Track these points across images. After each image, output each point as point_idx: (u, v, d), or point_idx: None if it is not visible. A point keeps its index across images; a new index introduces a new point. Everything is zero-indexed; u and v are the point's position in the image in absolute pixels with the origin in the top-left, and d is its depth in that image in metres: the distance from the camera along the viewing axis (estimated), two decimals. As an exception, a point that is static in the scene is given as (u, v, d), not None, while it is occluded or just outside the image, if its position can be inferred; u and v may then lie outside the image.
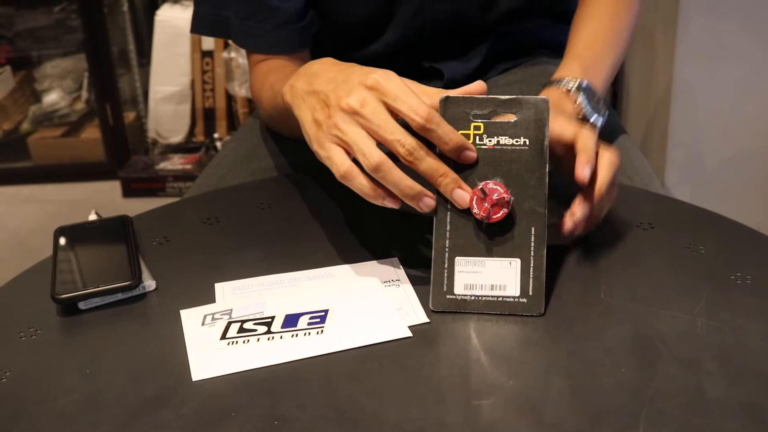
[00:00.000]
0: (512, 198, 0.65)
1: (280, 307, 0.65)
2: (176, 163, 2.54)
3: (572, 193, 0.68)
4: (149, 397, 0.57)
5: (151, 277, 0.70)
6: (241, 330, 0.63)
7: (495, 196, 0.64)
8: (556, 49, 1.02)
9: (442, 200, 0.65)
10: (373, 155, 0.63)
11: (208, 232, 0.79)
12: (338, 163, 0.65)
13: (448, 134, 0.64)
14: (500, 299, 0.64)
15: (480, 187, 0.64)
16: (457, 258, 0.65)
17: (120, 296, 0.68)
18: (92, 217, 0.81)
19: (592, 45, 0.90)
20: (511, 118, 0.65)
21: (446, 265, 0.65)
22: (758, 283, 0.66)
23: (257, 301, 0.66)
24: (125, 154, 2.61)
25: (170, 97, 2.62)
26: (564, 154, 0.71)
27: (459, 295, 0.65)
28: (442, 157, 0.65)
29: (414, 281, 0.68)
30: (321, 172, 0.74)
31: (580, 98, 0.81)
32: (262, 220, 0.81)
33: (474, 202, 0.65)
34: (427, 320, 0.64)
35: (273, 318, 0.64)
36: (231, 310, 0.66)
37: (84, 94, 2.69)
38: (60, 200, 2.48)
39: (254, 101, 0.99)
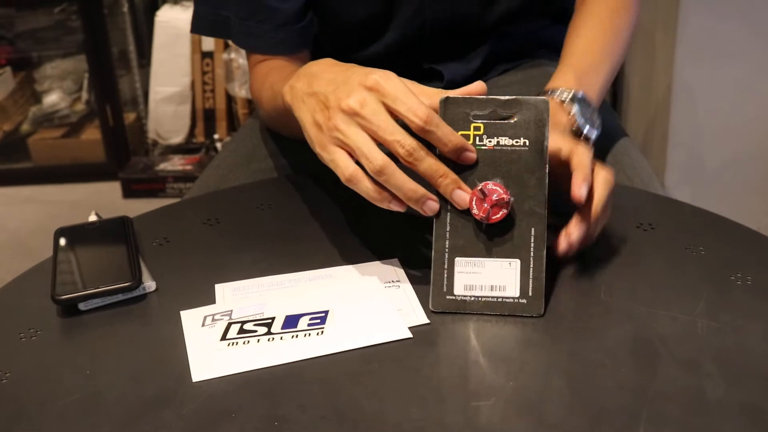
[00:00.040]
0: (512, 198, 0.65)
1: (280, 308, 0.65)
2: (176, 163, 2.54)
3: (565, 200, 0.68)
4: (149, 398, 0.57)
5: (151, 278, 0.70)
6: (242, 331, 0.63)
7: (494, 197, 0.64)
8: (555, 49, 1.02)
9: (442, 201, 0.65)
10: (376, 158, 0.63)
11: (209, 233, 0.79)
12: (343, 167, 0.65)
13: (448, 135, 0.64)
14: (500, 300, 0.64)
15: (479, 187, 0.64)
16: (456, 259, 0.65)
17: (120, 297, 0.68)
18: (92, 218, 0.81)
19: (588, 53, 0.88)
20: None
21: (446, 266, 0.65)
22: (758, 284, 0.66)
23: (257, 302, 0.66)
24: (125, 154, 2.61)
25: (170, 98, 2.62)
26: (559, 170, 0.69)
27: (459, 296, 0.65)
28: (442, 158, 0.65)
29: (414, 282, 0.68)
30: (321, 173, 0.74)
31: (574, 109, 0.79)
32: (262, 221, 0.81)
33: (473, 202, 0.65)
34: (427, 321, 0.64)
35: (273, 319, 0.64)
36: (231, 311, 0.66)
37: (84, 95, 2.69)
38: (60, 201, 2.48)
39: (254, 102, 0.99)
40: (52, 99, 2.67)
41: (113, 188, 2.52)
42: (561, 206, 0.67)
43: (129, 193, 2.50)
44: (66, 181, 2.56)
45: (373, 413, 0.54)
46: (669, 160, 1.87)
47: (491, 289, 0.64)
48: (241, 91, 2.51)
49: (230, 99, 2.61)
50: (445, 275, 0.65)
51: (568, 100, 0.79)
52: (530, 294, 0.64)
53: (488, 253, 0.65)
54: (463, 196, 0.65)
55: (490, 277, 0.65)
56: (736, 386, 0.55)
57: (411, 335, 0.62)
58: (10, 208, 2.47)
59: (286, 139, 0.97)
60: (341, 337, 0.62)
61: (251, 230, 0.79)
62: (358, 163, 0.65)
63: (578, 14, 0.95)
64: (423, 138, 0.64)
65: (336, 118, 0.65)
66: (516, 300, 0.64)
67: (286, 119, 0.79)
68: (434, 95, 0.66)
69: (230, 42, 2.23)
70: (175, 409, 0.56)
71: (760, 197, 1.86)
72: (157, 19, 2.56)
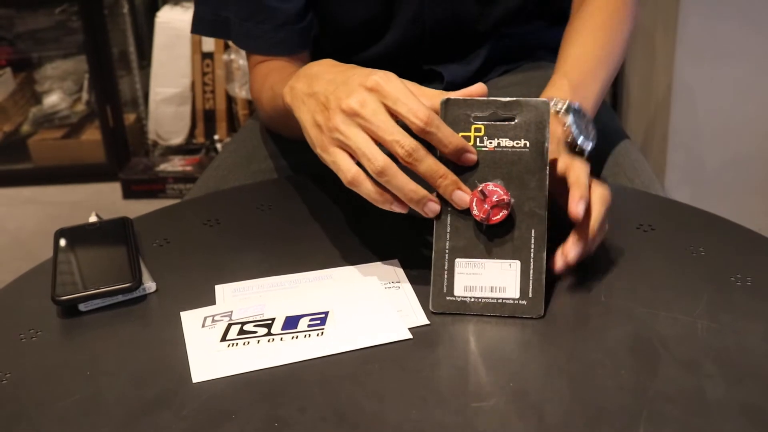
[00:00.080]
0: (512, 199, 0.65)
1: (280, 308, 0.65)
2: (176, 164, 2.54)
3: (561, 215, 0.67)
4: (149, 399, 0.57)
5: (151, 278, 0.70)
6: (242, 332, 0.63)
7: (495, 198, 0.64)
8: (555, 50, 1.02)
9: (443, 202, 0.65)
10: (377, 159, 0.63)
11: (209, 234, 0.79)
12: (345, 169, 0.65)
13: (448, 137, 0.64)
14: (500, 301, 0.64)
15: (480, 188, 0.64)
16: (457, 260, 0.65)
17: (120, 298, 0.68)
18: (92, 218, 0.81)
19: (584, 61, 0.86)
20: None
21: (446, 267, 0.65)
22: (758, 285, 0.66)
23: (257, 303, 0.66)
24: (125, 155, 2.61)
25: (170, 99, 2.61)
26: (555, 185, 0.68)
27: (459, 297, 0.65)
28: (443, 159, 0.65)
29: (414, 283, 0.68)
30: (321, 173, 0.74)
31: (569, 120, 0.76)
32: (262, 222, 0.81)
33: (474, 203, 0.65)
34: (427, 322, 0.64)
35: (273, 320, 0.64)
36: (231, 311, 0.66)
37: (84, 95, 2.69)
38: (60, 202, 2.48)
39: (254, 103, 0.99)
40: (53, 100, 2.67)
41: (113, 189, 2.51)
42: (558, 219, 0.67)
43: (129, 193, 2.50)
44: (66, 181, 2.55)
45: (373, 414, 0.54)
46: (669, 160, 1.87)
47: (491, 291, 0.64)
48: (241, 92, 2.50)
49: (230, 100, 2.61)
50: (446, 276, 0.65)
51: (562, 110, 0.76)
52: (530, 295, 0.64)
53: (488, 255, 0.65)
54: (462, 196, 0.65)
55: (490, 278, 0.65)
56: (736, 387, 0.55)
57: (411, 336, 0.62)
58: (11, 208, 2.47)
59: (286, 140, 0.97)
60: (341, 338, 0.62)
61: (251, 231, 0.79)
62: (359, 164, 0.65)
63: (574, 20, 0.93)
64: (423, 139, 0.64)
65: (336, 118, 0.65)
66: (516, 301, 0.64)
67: (286, 120, 0.79)
68: (435, 97, 0.66)
69: (230, 43, 2.23)
70: (175, 410, 0.56)
71: (760, 198, 1.86)
72: (158, 20, 2.56)
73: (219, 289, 0.69)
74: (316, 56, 0.89)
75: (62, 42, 2.66)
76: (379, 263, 0.71)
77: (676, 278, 0.68)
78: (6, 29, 2.65)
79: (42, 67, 2.69)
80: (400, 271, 0.70)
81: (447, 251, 0.66)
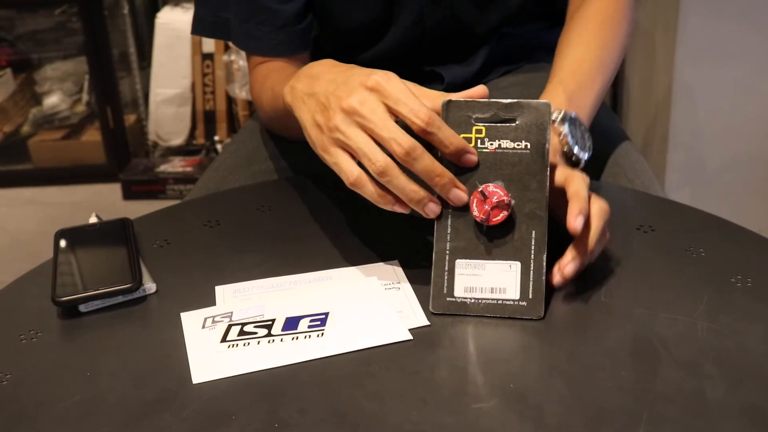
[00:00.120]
0: (512, 201, 0.65)
1: (280, 309, 0.65)
2: (177, 165, 2.54)
3: (559, 227, 0.66)
4: (150, 400, 0.57)
5: (151, 279, 0.70)
6: (242, 333, 0.63)
7: (495, 199, 0.64)
8: (555, 50, 1.02)
9: (443, 203, 0.65)
10: (378, 159, 0.63)
11: (209, 235, 0.79)
12: (347, 171, 0.65)
13: (449, 137, 0.64)
14: (500, 302, 0.64)
15: (480, 189, 0.64)
16: (457, 261, 0.65)
17: (120, 299, 0.68)
18: (93, 219, 0.81)
19: (579, 68, 0.84)
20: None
21: (446, 268, 0.65)
22: (759, 286, 0.66)
23: (257, 304, 0.66)
24: (126, 156, 2.61)
25: (171, 100, 2.61)
26: (553, 196, 0.67)
27: (459, 298, 0.65)
28: (443, 160, 0.65)
29: (414, 284, 0.68)
30: (321, 174, 0.74)
31: (565, 130, 0.75)
32: (262, 223, 0.81)
33: (474, 204, 0.65)
34: (428, 323, 0.64)
35: (273, 321, 0.64)
36: (231, 312, 0.66)
37: (84, 96, 2.69)
38: (60, 203, 2.48)
39: (254, 104, 0.99)
40: (53, 101, 2.67)
41: (113, 190, 2.51)
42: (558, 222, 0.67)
43: (129, 194, 2.50)
44: (66, 182, 2.55)
45: (373, 415, 0.54)
46: (669, 161, 1.87)
47: (491, 292, 0.64)
48: (241, 93, 2.50)
49: (230, 101, 2.61)
50: (446, 277, 0.65)
51: (558, 120, 0.75)
52: (530, 296, 0.64)
53: (489, 256, 0.65)
54: (459, 194, 0.65)
55: (490, 279, 0.65)
56: (737, 388, 0.55)
57: (411, 337, 0.62)
58: (11, 209, 2.47)
59: (287, 141, 0.97)
60: (341, 339, 0.62)
61: (251, 232, 0.79)
62: (360, 164, 0.65)
63: (570, 26, 0.91)
64: (424, 140, 0.64)
65: (336, 118, 0.65)
66: (516, 302, 0.64)
67: (286, 120, 0.79)
68: (436, 98, 0.66)
69: (230, 44, 2.23)
70: (175, 411, 0.56)
71: (760, 198, 1.86)
72: (158, 21, 2.56)
73: (219, 290, 0.69)
74: (316, 57, 0.89)
75: (62, 43, 2.66)
76: (379, 264, 0.71)
77: (676, 279, 0.68)
78: (6, 30, 2.65)
79: (42, 68, 2.69)
80: (400, 272, 0.70)
81: (447, 252, 0.66)
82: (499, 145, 0.66)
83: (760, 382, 0.56)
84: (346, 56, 0.77)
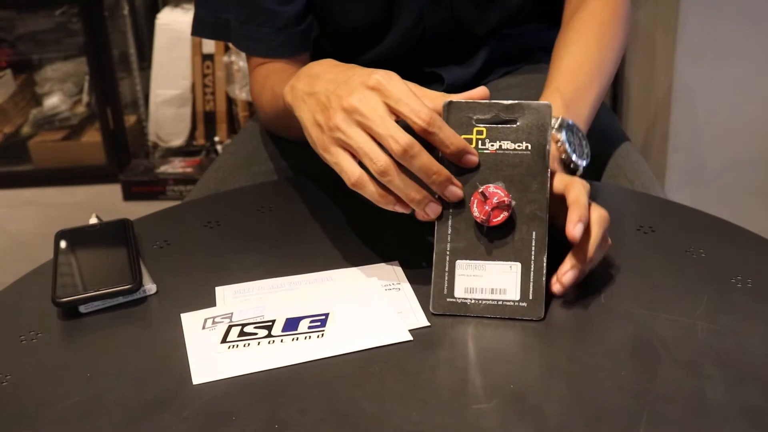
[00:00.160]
0: (513, 201, 0.65)
1: (280, 310, 0.65)
2: (177, 166, 2.54)
3: (558, 234, 0.66)
4: (150, 401, 0.57)
5: (151, 280, 0.70)
6: (242, 333, 0.63)
7: (495, 200, 0.64)
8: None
9: (444, 203, 0.65)
10: (379, 159, 0.63)
11: (209, 236, 0.79)
12: (349, 171, 0.65)
13: (450, 137, 0.64)
14: (500, 303, 0.64)
15: (481, 190, 0.64)
16: (457, 261, 0.65)
17: (121, 300, 0.68)
18: (93, 220, 0.81)
19: (576, 74, 0.83)
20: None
21: (447, 269, 0.65)
22: (759, 286, 0.66)
23: (258, 305, 0.66)
24: (126, 157, 2.61)
25: (171, 101, 2.61)
26: (553, 204, 0.66)
27: (459, 299, 0.65)
28: (444, 161, 0.65)
29: (414, 284, 0.68)
30: (321, 175, 0.74)
31: (563, 138, 0.74)
32: (262, 224, 0.81)
33: (474, 205, 0.65)
34: (428, 324, 0.64)
35: (273, 321, 0.64)
36: (231, 313, 0.66)
37: (85, 97, 2.69)
38: (61, 204, 2.48)
39: (254, 104, 0.99)
40: (53, 101, 2.67)
41: (114, 191, 2.51)
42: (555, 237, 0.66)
43: (129, 195, 2.50)
44: (66, 183, 2.55)
45: (373, 416, 0.54)
46: (669, 162, 1.87)
47: (492, 292, 0.64)
48: (241, 94, 2.51)
49: (231, 101, 2.61)
50: (446, 278, 0.65)
51: (555, 128, 0.75)
52: (531, 297, 0.64)
53: (489, 256, 0.65)
54: (455, 191, 0.64)
55: (490, 280, 0.65)
56: (737, 388, 0.55)
57: (411, 338, 0.62)
58: (11, 210, 2.47)
59: (287, 142, 0.97)
60: (342, 339, 0.62)
61: (251, 233, 0.79)
62: (361, 164, 0.65)
63: (566, 29, 0.91)
64: (425, 141, 0.64)
65: (337, 117, 0.65)
66: (516, 303, 0.64)
67: (286, 120, 0.79)
68: (437, 98, 0.66)
69: (230, 45, 2.23)
70: (175, 411, 0.56)
71: (760, 199, 1.86)
72: (158, 22, 2.56)
73: (219, 290, 0.69)
74: (316, 58, 0.89)
75: (62, 44, 2.66)
76: (379, 265, 0.71)
77: (676, 279, 0.68)
78: (6, 31, 2.65)
79: (42, 69, 2.69)
80: (401, 273, 0.70)
81: (448, 253, 0.66)
82: (500, 146, 0.66)
83: (760, 383, 0.56)
84: (346, 57, 0.77)
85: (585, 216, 0.64)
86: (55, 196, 2.52)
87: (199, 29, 0.96)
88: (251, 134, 1.04)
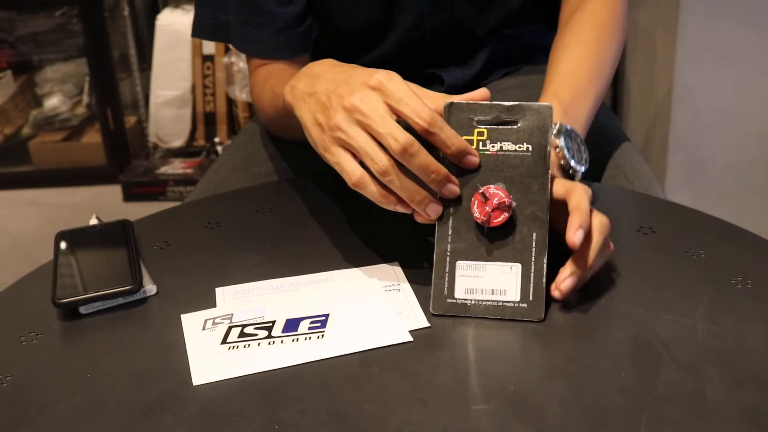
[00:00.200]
0: (513, 202, 0.65)
1: (280, 311, 0.65)
2: (177, 167, 2.54)
3: (559, 239, 0.66)
4: (150, 402, 0.57)
5: (151, 281, 0.70)
6: (242, 334, 0.63)
7: (496, 200, 0.64)
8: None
9: (444, 204, 0.65)
10: (380, 159, 0.63)
11: (209, 237, 0.79)
12: (350, 171, 0.65)
13: (451, 138, 0.64)
14: (500, 304, 0.64)
15: (481, 191, 0.64)
16: (458, 262, 0.65)
17: (121, 300, 0.68)
18: (93, 221, 0.81)
19: (574, 78, 0.82)
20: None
21: (447, 269, 0.65)
22: (759, 287, 0.66)
23: (258, 306, 0.66)
24: (126, 158, 2.61)
25: (171, 102, 2.62)
26: (553, 209, 0.66)
27: (459, 300, 0.65)
28: (445, 161, 0.65)
29: (415, 285, 0.68)
30: (321, 176, 0.74)
31: (561, 143, 0.74)
32: (262, 225, 0.81)
33: (475, 206, 0.65)
34: (428, 324, 0.64)
35: (274, 322, 0.64)
36: (232, 314, 0.66)
37: (85, 98, 2.69)
38: (61, 204, 2.48)
39: (254, 105, 0.99)
40: (53, 102, 2.67)
41: (114, 192, 2.51)
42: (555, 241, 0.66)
43: (130, 196, 2.50)
44: (67, 184, 2.55)
45: (373, 417, 0.54)
46: (669, 162, 1.87)
47: (492, 293, 0.64)
48: (241, 95, 2.51)
49: (231, 102, 2.61)
50: (446, 279, 0.65)
51: (554, 133, 0.74)
52: (531, 298, 0.64)
53: (490, 257, 0.65)
54: (452, 188, 0.64)
55: (491, 280, 0.65)
56: (737, 389, 0.55)
57: (411, 339, 0.62)
58: (11, 211, 2.47)
59: (287, 143, 0.97)
60: (342, 340, 0.62)
61: (252, 233, 0.79)
62: (362, 164, 0.65)
63: (563, 31, 0.90)
64: (426, 142, 0.64)
65: (337, 117, 0.65)
66: (517, 304, 0.64)
67: (287, 121, 0.79)
68: (438, 99, 0.66)
69: (231, 46, 2.23)
70: (175, 412, 0.56)
71: (760, 200, 1.86)
72: (158, 23, 2.57)
73: (219, 291, 0.69)
74: (316, 58, 0.89)
75: (63, 45, 2.66)
76: (379, 266, 0.71)
77: (676, 280, 0.68)
78: (7, 32, 2.65)
79: (42, 70, 2.69)
80: (401, 274, 0.70)
81: (448, 253, 0.66)
82: (501, 147, 0.66)
83: (761, 384, 0.56)
84: (346, 58, 0.77)
85: (586, 222, 0.63)
86: (56, 197, 2.52)
87: (199, 30, 0.96)
88: (251, 135, 1.04)
